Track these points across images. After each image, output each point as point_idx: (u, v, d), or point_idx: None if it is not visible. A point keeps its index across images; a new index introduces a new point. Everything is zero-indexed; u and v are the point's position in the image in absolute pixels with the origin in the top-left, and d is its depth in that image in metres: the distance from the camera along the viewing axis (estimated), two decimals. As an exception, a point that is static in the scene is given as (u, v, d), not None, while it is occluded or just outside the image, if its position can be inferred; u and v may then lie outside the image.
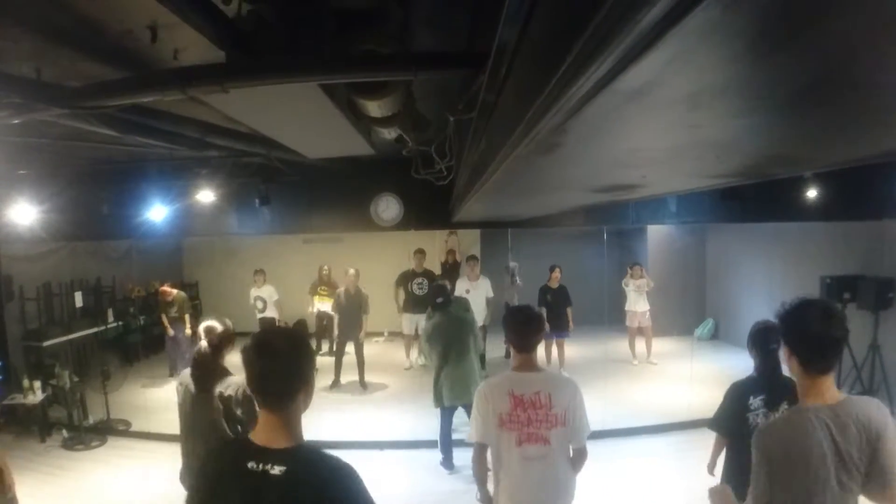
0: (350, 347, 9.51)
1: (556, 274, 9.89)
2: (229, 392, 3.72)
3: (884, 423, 2.16)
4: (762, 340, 3.77)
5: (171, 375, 10.04)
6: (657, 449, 6.72)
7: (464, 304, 6.63)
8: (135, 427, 7.86)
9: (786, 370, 3.72)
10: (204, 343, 3.86)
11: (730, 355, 10.68)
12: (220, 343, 3.89)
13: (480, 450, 3.33)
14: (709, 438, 4.19)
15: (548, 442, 3.15)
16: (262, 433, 1.86)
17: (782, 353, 2.35)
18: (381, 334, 12.29)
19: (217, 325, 3.92)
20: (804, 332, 2.23)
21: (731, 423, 3.79)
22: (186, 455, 3.97)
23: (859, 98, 1.26)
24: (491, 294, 9.72)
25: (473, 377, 6.00)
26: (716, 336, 12.29)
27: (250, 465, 1.79)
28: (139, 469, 6.65)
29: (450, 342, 6.10)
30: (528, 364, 3.29)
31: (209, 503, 1.89)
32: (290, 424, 1.87)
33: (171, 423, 7.71)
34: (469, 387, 5.74)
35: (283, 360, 1.85)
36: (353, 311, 9.36)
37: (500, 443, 3.22)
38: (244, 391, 3.65)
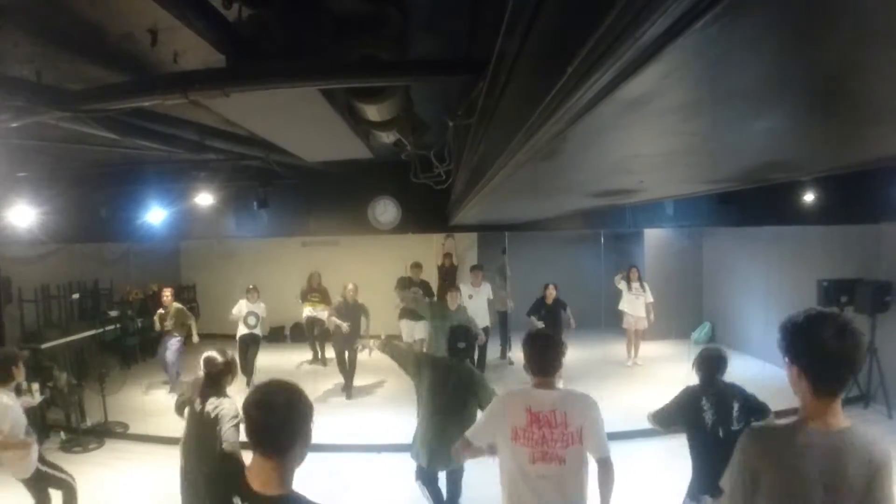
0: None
1: (551, 291, 9.86)
2: (216, 412, 3.75)
3: (884, 460, 1.99)
4: (708, 368, 4.09)
5: (171, 389, 9.90)
6: (653, 452, 6.72)
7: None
8: (132, 430, 7.84)
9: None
10: (201, 373, 3.87)
11: (726, 359, 10.68)
12: (220, 375, 3.88)
13: (464, 444, 3.39)
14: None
15: (563, 461, 3.09)
16: (255, 476, 1.94)
17: (788, 373, 2.08)
18: (378, 338, 12.25)
19: (217, 357, 3.89)
20: (819, 350, 1.98)
21: (686, 420, 4.03)
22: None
23: (852, 107, 1.29)
24: (491, 296, 9.96)
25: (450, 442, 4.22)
26: (713, 339, 12.29)
27: (235, 500, 1.90)
28: (137, 472, 6.64)
29: (443, 398, 4.46)
30: (546, 384, 3.25)
31: None
32: (283, 472, 1.94)
33: (169, 426, 7.72)
34: (436, 448, 4.46)
35: (281, 416, 1.92)
36: (351, 323, 9.41)
37: (511, 457, 3.17)
38: (230, 422, 3.70)
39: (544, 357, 3.24)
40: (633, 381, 9.74)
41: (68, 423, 7.62)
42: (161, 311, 9.83)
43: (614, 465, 3.23)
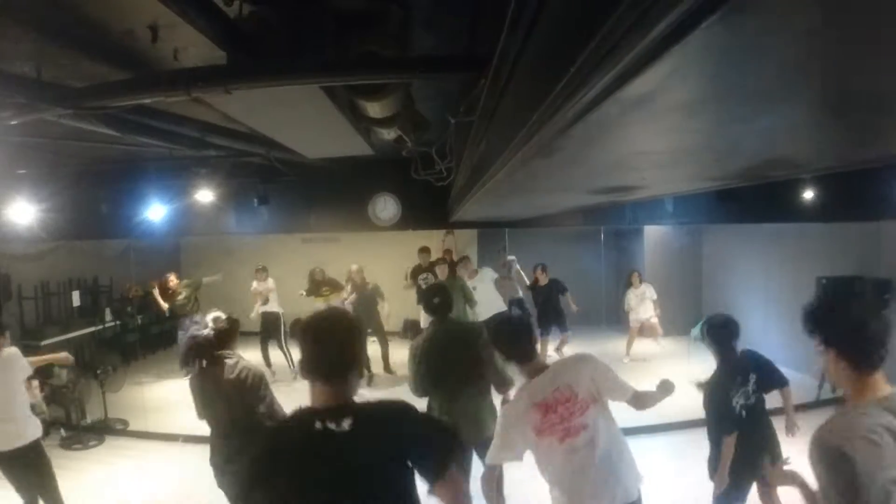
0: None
1: (539, 274, 9.80)
2: (241, 375, 3.82)
3: None
4: (723, 337, 4.02)
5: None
6: (654, 449, 6.73)
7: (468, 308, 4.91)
8: (132, 426, 7.84)
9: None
10: (208, 330, 3.91)
11: (726, 356, 10.68)
12: (225, 333, 3.94)
13: (490, 472, 3.23)
14: (705, 438, 4.20)
15: (586, 427, 3.03)
16: (320, 401, 1.99)
17: (824, 359, 1.97)
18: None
19: (222, 315, 4.02)
20: (858, 330, 1.88)
21: (726, 418, 3.92)
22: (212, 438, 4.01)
23: (858, 104, 1.29)
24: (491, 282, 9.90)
25: (480, 414, 4.29)
26: (712, 336, 12.29)
27: (317, 425, 1.91)
28: (137, 468, 6.65)
29: (444, 367, 4.22)
30: (537, 368, 3.16)
31: (279, 470, 1.92)
32: (347, 394, 2.01)
33: (169, 422, 7.73)
34: (473, 424, 4.20)
35: (339, 342, 2.01)
36: (366, 305, 9.43)
37: (540, 451, 3.11)
38: (252, 375, 3.83)
39: (519, 341, 3.17)
40: (634, 377, 9.68)
41: (68, 421, 7.63)
42: (170, 290, 9.77)
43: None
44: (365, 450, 1.93)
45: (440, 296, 4.43)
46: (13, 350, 4.54)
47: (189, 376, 4.04)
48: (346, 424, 1.91)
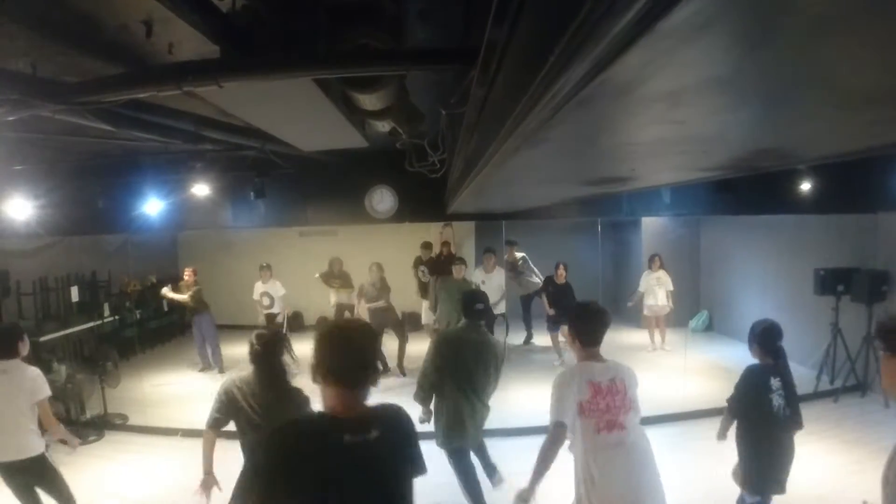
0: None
1: (561, 271, 10.01)
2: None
3: None
4: (768, 339, 3.92)
5: (202, 370, 10.04)
6: (652, 440, 6.75)
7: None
8: (132, 421, 7.87)
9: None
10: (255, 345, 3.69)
11: (724, 347, 10.73)
12: (271, 344, 3.71)
13: (558, 430, 3.27)
14: (705, 430, 4.23)
15: (623, 428, 3.21)
16: (341, 407, 2.09)
17: (887, 366, 2.31)
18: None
19: (265, 332, 3.82)
20: None
21: (750, 404, 3.90)
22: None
23: (838, 94, 1.29)
24: (503, 284, 10.03)
25: (485, 418, 4.74)
26: (710, 328, 12.34)
27: (347, 438, 2.00)
28: (137, 463, 6.68)
29: (467, 365, 4.54)
30: (595, 356, 3.36)
31: (292, 478, 1.96)
32: (363, 398, 2.13)
33: (169, 416, 7.75)
34: (479, 426, 4.69)
35: (360, 350, 2.13)
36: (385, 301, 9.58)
37: (579, 431, 3.23)
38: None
39: (595, 328, 3.36)
40: (636, 369, 9.76)
41: (68, 416, 7.64)
42: (187, 288, 9.81)
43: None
44: (392, 457, 2.11)
45: (482, 301, 4.66)
46: (25, 367, 4.38)
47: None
48: (374, 434, 2.05)
